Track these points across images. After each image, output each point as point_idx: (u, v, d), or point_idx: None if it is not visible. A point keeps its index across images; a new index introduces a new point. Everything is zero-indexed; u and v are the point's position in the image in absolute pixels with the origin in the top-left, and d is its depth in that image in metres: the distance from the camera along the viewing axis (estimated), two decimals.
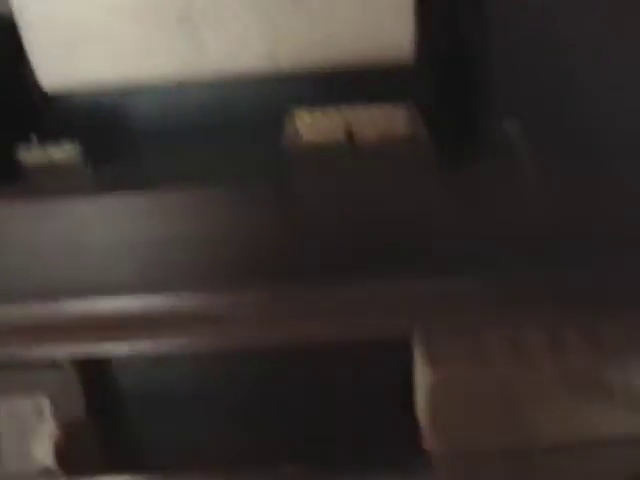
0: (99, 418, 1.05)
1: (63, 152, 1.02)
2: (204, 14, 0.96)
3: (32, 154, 1.01)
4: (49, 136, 1.05)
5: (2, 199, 0.93)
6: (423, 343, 0.93)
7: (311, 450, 0.97)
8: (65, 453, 0.99)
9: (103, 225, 0.96)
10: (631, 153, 0.94)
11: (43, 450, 0.98)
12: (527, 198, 0.92)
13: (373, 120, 0.97)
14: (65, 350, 0.97)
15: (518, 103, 0.99)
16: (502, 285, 0.93)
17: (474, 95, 1.04)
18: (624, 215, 0.92)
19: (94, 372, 1.06)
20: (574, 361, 0.91)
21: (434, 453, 0.94)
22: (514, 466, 0.94)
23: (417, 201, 0.94)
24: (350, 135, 0.98)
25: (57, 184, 0.99)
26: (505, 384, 0.90)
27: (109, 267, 0.98)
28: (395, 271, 0.94)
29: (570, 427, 0.93)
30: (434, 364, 0.91)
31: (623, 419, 0.93)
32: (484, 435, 0.92)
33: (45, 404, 0.99)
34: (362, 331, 0.94)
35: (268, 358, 1.02)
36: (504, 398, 0.91)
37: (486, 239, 0.95)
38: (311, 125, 0.97)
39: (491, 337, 0.93)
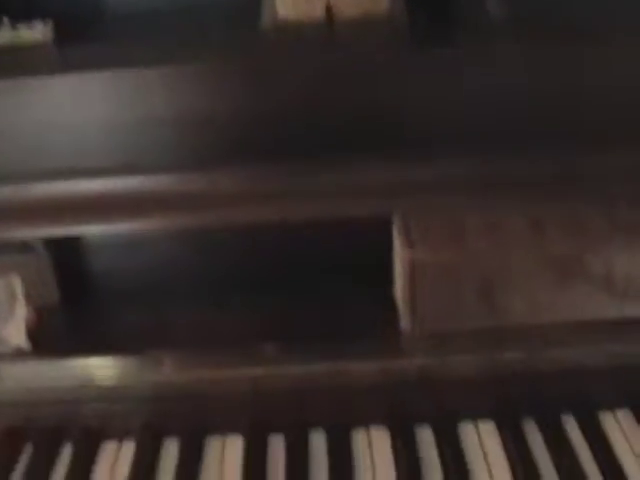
0: (72, 301, 1.03)
1: (34, 32, 0.98)
2: None
3: (2, 35, 0.97)
4: (20, 16, 1.00)
5: None
6: (402, 225, 0.92)
7: (288, 330, 0.96)
8: (37, 334, 0.98)
9: (74, 105, 0.93)
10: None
11: (15, 331, 0.97)
12: (507, 79, 0.90)
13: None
14: (37, 232, 0.96)
15: None
16: (484, 169, 0.91)
17: None
18: (605, 95, 0.90)
19: (68, 256, 1.04)
20: (554, 245, 0.91)
21: (410, 334, 0.93)
22: (488, 347, 0.93)
23: (397, 83, 0.91)
24: (330, 14, 0.95)
25: (27, 63, 0.96)
26: (483, 266, 0.90)
27: (82, 148, 0.95)
28: (376, 153, 0.92)
29: (548, 310, 0.92)
30: (412, 245, 0.90)
31: (602, 304, 0.92)
32: (460, 316, 0.92)
33: (17, 285, 0.97)
34: (343, 212, 0.93)
35: (246, 239, 1.00)
36: (482, 279, 0.90)
37: (467, 123, 0.93)
38: (291, 3, 0.95)
39: (471, 220, 0.92)
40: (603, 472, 0.92)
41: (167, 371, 0.96)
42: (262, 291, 1.00)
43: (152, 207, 0.95)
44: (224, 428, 0.99)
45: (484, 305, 0.91)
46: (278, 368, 0.95)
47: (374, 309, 0.96)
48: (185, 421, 0.99)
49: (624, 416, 0.99)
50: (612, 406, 1.00)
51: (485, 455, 0.94)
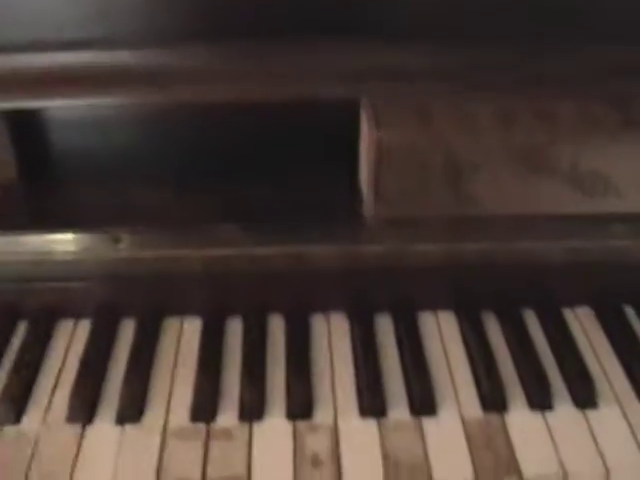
0: (31, 178, 1.00)
1: None
2: None
3: None
4: None
5: None
6: (370, 109, 0.90)
7: (249, 212, 0.94)
8: None
9: None
10: None
11: None
12: None
13: None
14: None
15: None
16: (452, 56, 0.89)
17: None
18: None
19: (27, 132, 1.00)
20: (521, 135, 0.89)
21: (374, 220, 0.91)
22: (452, 236, 0.91)
23: None
24: None
25: None
26: (450, 152, 0.88)
27: (43, 20, 0.91)
28: (345, 37, 0.89)
29: (514, 203, 0.90)
30: (379, 128, 0.88)
31: (569, 199, 0.91)
32: (425, 202, 0.90)
33: None
34: (310, 95, 0.90)
35: (210, 122, 0.98)
36: (448, 166, 0.88)
37: (438, 10, 0.90)
38: None
39: (439, 106, 0.89)
40: (560, 365, 0.90)
41: (125, 249, 0.93)
42: (225, 174, 0.97)
43: (113, 82, 0.91)
44: (182, 310, 0.96)
45: (449, 193, 0.89)
46: (237, 249, 0.93)
47: (338, 195, 0.94)
48: (142, 302, 0.97)
49: (585, 313, 0.97)
50: (574, 303, 0.97)
51: (443, 344, 0.93)
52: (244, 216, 0.93)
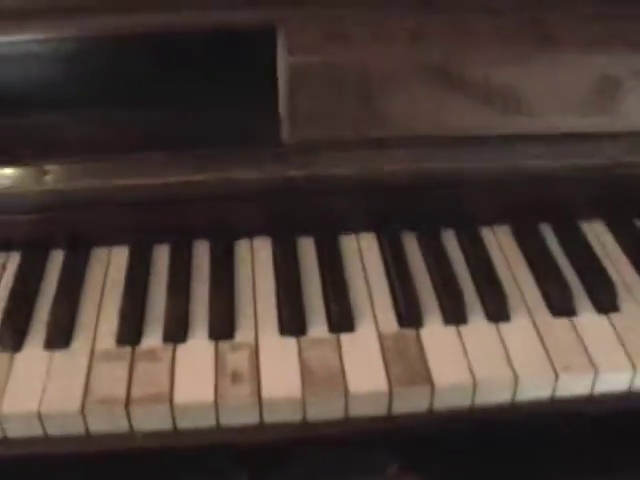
0: None
1: None
2: None
3: None
4: None
5: None
6: (283, 33, 0.90)
7: (173, 140, 0.95)
8: None
9: None
10: None
11: None
12: None
13: None
14: None
15: None
16: None
17: None
18: None
19: None
20: (433, 52, 0.89)
21: (291, 143, 0.93)
22: (369, 158, 0.93)
23: None
24: None
25: None
26: (363, 72, 0.89)
27: None
28: None
29: (428, 122, 0.92)
30: (291, 53, 0.89)
31: (483, 118, 0.93)
32: (341, 124, 0.91)
33: None
34: (226, 20, 0.91)
35: (130, 50, 0.98)
36: (361, 86, 0.89)
37: None
38: None
39: (352, 28, 0.90)
40: (475, 281, 0.94)
41: (51, 181, 0.94)
42: (148, 103, 0.98)
43: (32, 16, 0.91)
44: (110, 239, 0.98)
45: (364, 113, 0.91)
46: (161, 178, 0.94)
47: (260, 121, 0.95)
48: (70, 233, 0.98)
49: (503, 231, 1.00)
50: (491, 222, 1.00)
51: (364, 265, 0.95)
52: (168, 144, 0.94)
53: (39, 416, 0.79)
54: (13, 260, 0.99)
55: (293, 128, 0.91)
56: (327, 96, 0.90)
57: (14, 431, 0.82)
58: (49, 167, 0.95)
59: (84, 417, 0.79)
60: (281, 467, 0.85)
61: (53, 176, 0.95)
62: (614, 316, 0.90)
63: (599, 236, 1.01)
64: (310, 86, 0.89)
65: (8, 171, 0.96)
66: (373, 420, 0.83)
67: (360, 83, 0.89)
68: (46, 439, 0.82)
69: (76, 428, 0.81)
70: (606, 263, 0.97)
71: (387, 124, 0.91)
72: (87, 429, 0.81)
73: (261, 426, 0.82)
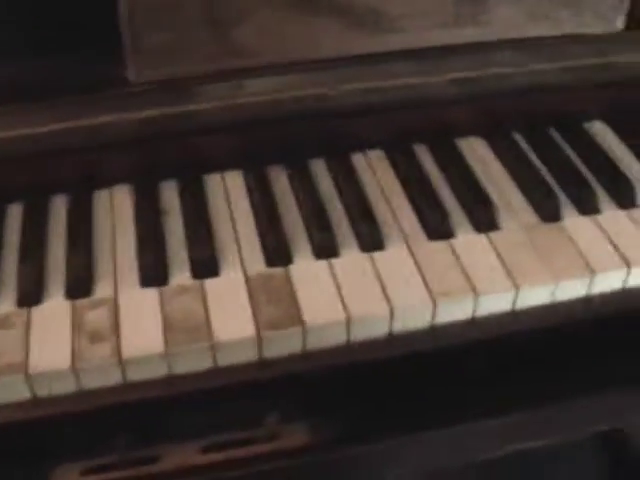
0: None
1: None
2: None
3: None
4: None
5: None
6: None
7: (5, 89, 0.86)
8: None
9: None
10: None
11: None
12: None
13: None
14: None
15: None
16: None
17: None
18: None
19: None
20: None
21: (139, 83, 0.85)
22: (230, 91, 0.86)
23: None
24: None
25: None
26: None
27: None
28: None
29: (293, 48, 0.86)
30: None
31: (351, 38, 0.86)
32: (193, 58, 0.85)
33: None
34: None
35: None
36: (212, 14, 0.83)
37: None
38: None
39: None
40: (347, 210, 0.91)
41: None
42: None
43: None
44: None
45: (216, 41, 0.83)
46: (4, 131, 0.85)
47: (103, 62, 0.86)
48: None
49: (376, 156, 0.95)
50: (362, 147, 0.95)
51: (229, 205, 0.90)
52: (5, 94, 0.85)
53: None
54: None
55: (139, 67, 0.83)
56: (173, 29, 0.83)
57: None
58: None
59: None
60: (154, 427, 0.79)
61: None
62: (494, 235, 0.82)
63: (479, 154, 0.95)
64: (152, 19, 0.82)
65: None
66: (245, 368, 0.75)
67: (209, 12, 0.82)
68: None
69: None
70: (487, 182, 0.92)
71: (244, 53, 0.84)
72: None
73: (124, 386, 0.74)
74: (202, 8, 0.83)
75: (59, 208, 0.92)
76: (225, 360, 0.77)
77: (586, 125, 1.00)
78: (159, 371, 0.76)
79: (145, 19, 0.82)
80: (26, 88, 0.88)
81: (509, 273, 0.80)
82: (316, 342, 0.78)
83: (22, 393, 0.77)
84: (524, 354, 0.84)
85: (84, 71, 0.88)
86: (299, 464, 0.83)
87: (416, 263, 0.82)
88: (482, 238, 0.85)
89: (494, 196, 0.89)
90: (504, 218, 0.87)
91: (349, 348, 0.79)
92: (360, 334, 0.78)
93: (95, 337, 0.76)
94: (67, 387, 0.76)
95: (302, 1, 0.84)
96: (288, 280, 0.80)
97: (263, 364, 0.78)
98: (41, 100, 0.88)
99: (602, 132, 0.99)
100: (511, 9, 0.91)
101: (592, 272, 0.80)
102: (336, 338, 0.78)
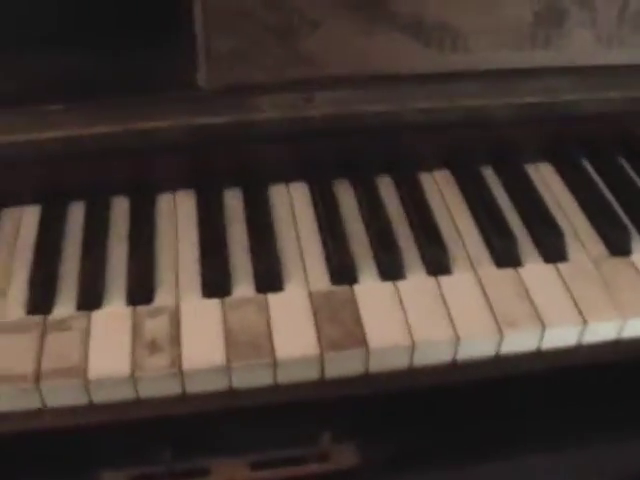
0: None
1: None
2: None
3: None
4: None
5: None
6: None
7: (77, 87, 0.86)
8: None
9: None
10: None
11: None
12: None
13: None
14: None
15: None
16: None
17: None
18: None
19: None
20: None
21: (210, 88, 0.84)
22: (294, 102, 0.85)
23: None
24: None
25: None
26: (284, 7, 0.81)
27: None
28: None
29: (358, 60, 0.84)
30: None
31: (416, 55, 0.85)
32: (262, 65, 0.84)
33: None
34: None
35: None
36: (283, 23, 0.82)
37: None
38: None
39: None
40: (415, 231, 0.89)
41: None
42: (49, 46, 0.87)
43: None
44: (19, 199, 0.90)
45: (287, 51, 0.82)
46: (67, 131, 0.85)
47: (174, 66, 0.85)
48: None
49: (442, 175, 0.93)
50: (430, 167, 0.93)
51: (294, 217, 0.88)
52: (71, 93, 0.85)
53: None
54: None
55: (210, 72, 0.82)
56: (245, 36, 0.82)
57: None
58: None
59: None
60: (206, 440, 0.78)
61: None
62: (562, 266, 0.81)
63: (546, 179, 0.93)
64: (226, 26, 0.80)
65: None
66: (304, 386, 0.74)
67: (281, 20, 0.81)
68: None
69: None
70: (554, 208, 0.91)
71: (312, 64, 0.82)
72: None
73: (183, 398, 0.73)
74: (276, 17, 0.82)
75: (122, 210, 0.90)
76: (285, 377, 0.75)
77: None
78: (218, 384, 0.76)
79: (219, 25, 0.81)
80: (95, 87, 0.86)
81: (577, 306, 0.78)
82: (378, 365, 0.77)
83: (78, 398, 0.76)
84: (585, 389, 0.81)
85: (153, 73, 0.86)
86: None
87: (483, 290, 0.80)
88: (550, 268, 0.83)
89: (562, 225, 0.86)
90: (572, 249, 0.85)
91: (411, 372, 0.77)
92: (423, 359, 0.77)
93: (155, 347, 0.75)
94: (124, 394, 0.75)
95: (374, 16, 0.82)
96: (352, 300, 0.79)
97: (322, 383, 0.76)
98: (107, 99, 0.86)
99: None
100: (587, 34, 0.88)
101: None
102: (398, 362, 0.77)
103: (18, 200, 0.92)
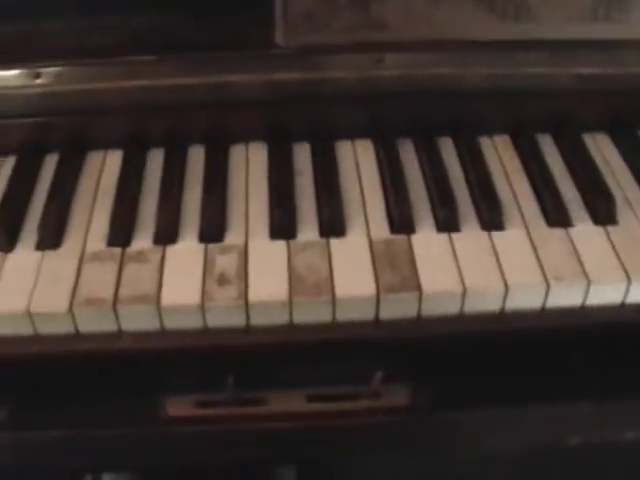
0: None
1: None
2: None
3: None
4: None
5: None
6: None
7: (165, 41, 0.93)
8: None
9: None
10: None
11: None
12: None
13: None
14: None
15: None
16: None
17: None
18: None
19: None
20: None
21: (286, 47, 0.90)
22: (366, 63, 0.91)
23: None
24: None
25: None
26: None
27: None
28: None
29: (426, 26, 0.90)
30: None
31: (482, 23, 0.90)
32: (336, 27, 0.89)
33: None
34: None
35: None
36: None
37: None
38: None
39: None
40: (471, 188, 0.95)
41: (43, 84, 0.93)
42: (137, 3, 0.95)
43: None
44: (103, 143, 0.98)
45: (359, 15, 0.88)
46: (154, 80, 0.92)
47: (251, 23, 0.92)
48: (64, 136, 0.98)
49: (502, 140, 0.98)
50: (490, 131, 0.98)
51: (359, 170, 0.94)
52: (160, 46, 0.92)
53: (28, 315, 0.78)
54: (8, 164, 0.97)
55: (287, 32, 0.88)
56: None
57: (4, 329, 0.80)
58: (41, 70, 0.92)
59: (72, 317, 0.79)
60: (266, 371, 0.84)
61: (45, 78, 0.92)
62: (611, 229, 0.85)
63: (602, 148, 0.97)
64: None
65: (1, 73, 0.91)
66: (360, 326, 0.80)
67: None
68: (35, 338, 0.81)
69: (65, 327, 0.81)
70: (608, 176, 0.94)
71: (383, 27, 0.88)
72: (76, 329, 0.80)
73: (247, 329, 0.79)
74: None
75: (198, 157, 0.97)
76: (342, 316, 0.81)
77: None
78: (280, 318, 0.81)
79: None
80: (182, 42, 0.93)
81: (623, 266, 0.83)
82: (430, 310, 0.82)
83: (151, 323, 0.82)
84: (627, 346, 0.85)
85: (235, 31, 0.92)
86: (398, 422, 0.86)
87: (533, 246, 0.85)
88: (599, 230, 0.87)
89: (614, 191, 0.90)
90: (622, 214, 0.89)
91: (461, 319, 0.82)
92: (473, 307, 0.82)
93: (223, 279, 0.81)
94: (193, 323, 0.81)
95: None
96: (410, 248, 0.84)
97: (377, 325, 0.81)
98: (192, 53, 0.93)
99: None
100: None
101: None
102: (450, 308, 0.82)
103: (101, 145, 0.98)
